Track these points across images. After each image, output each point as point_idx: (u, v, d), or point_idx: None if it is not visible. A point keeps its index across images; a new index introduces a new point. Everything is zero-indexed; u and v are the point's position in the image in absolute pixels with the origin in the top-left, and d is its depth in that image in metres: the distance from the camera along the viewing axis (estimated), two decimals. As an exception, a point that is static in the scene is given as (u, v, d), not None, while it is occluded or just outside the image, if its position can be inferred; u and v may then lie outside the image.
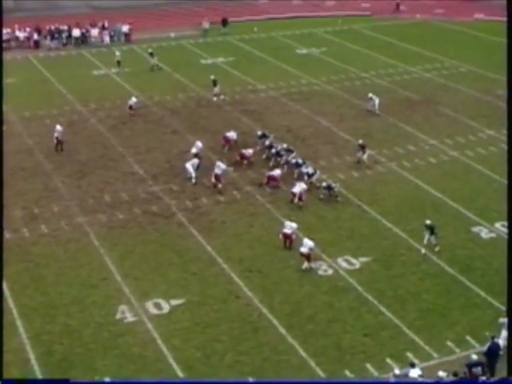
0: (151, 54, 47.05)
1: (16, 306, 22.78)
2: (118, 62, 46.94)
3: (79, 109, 40.07)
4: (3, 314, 19.85)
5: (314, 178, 30.25)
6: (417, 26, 57.54)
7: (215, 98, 40.77)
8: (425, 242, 25.55)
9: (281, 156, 32.14)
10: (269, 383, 19.79)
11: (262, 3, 65.98)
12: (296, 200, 28.68)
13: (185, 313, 22.64)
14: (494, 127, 35.68)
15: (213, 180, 30.30)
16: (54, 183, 31.30)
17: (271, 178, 30.52)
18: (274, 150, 32.45)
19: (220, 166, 30.30)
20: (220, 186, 30.02)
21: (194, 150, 32.36)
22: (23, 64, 48.09)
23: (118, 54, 47.70)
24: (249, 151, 32.61)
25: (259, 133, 34.40)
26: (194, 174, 30.81)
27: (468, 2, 63.59)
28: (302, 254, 24.52)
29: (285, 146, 32.57)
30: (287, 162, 31.82)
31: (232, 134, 34.32)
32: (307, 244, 24.46)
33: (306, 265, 24.48)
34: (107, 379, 19.61)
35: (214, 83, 40.90)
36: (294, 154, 32.14)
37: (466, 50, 49.71)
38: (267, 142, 33.25)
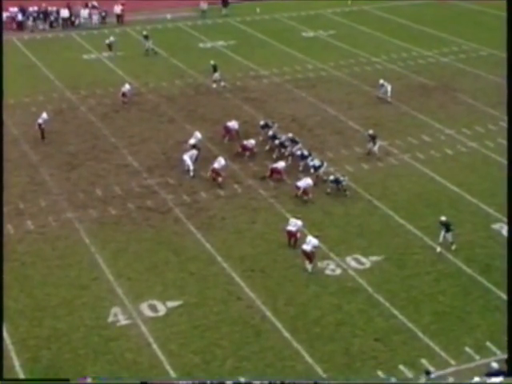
0: (146, 37, 47.02)
1: None
2: (109, 46, 46.82)
3: (68, 96, 40.09)
4: (3, 313, 19.95)
5: (320, 171, 30.25)
6: (433, 5, 57.41)
7: (215, 85, 40.76)
8: (440, 239, 25.56)
9: (285, 147, 32.15)
10: None
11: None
12: (299, 193, 28.73)
13: (182, 315, 22.67)
14: (516, 116, 35.68)
15: (208, 174, 30.27)
16: (41, 176, 31.33)
17: (275, 171, 30.53)
18: (277, 141, 32.45)
19: (220, 162, 30.31)
20: (220, 179, 30.04)
21: (192, 141, 32.37)
22: (6, 47, 47.79)
23: (112, 38, 47.36)
24: (251, 142, 32.62)
25: (262, 122, 34.40)
26: (191, 167, 30.83)
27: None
28: (303, 252, 24.54)
29: (290, 135, 32.57)
30: (292, 154, 31.83)
31: (233, 124, 34.32)
32: (311, 242, 24.47)
33: (308, 265, 24.50)
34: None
35: (214, 69, 40.89)
36: (299, 145, 32.13)
37: (486, 32, 49.56)
38: (270, 132, 33.25)
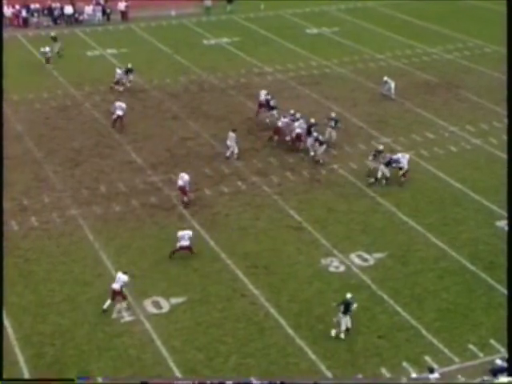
0: (54, 39, 45.50)
1: (4, 304, 22.76)
2: (47, 59, 44.08)
3: (72, 92, 40.07)
4: (2, 312, 19.94)
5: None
6: (437, 2, 57.20)
7: (129, 84, 40.07)
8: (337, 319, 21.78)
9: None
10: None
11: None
12: (401, 174, 29.39)
13: (186, 312, 22.68)
14: (521, 113, 35.57)
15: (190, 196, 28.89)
16: (44, 172, 31.33)
17: (298, 137, 31.51)
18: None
19: (184, 178, 28.35)
20: (185, 198, 28.28)
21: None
22: (11, 43, 48.02)
23: (47, 48, 44.26)
24: (283, 120, 33.00)
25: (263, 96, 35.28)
26: (236, 150, 31.59)
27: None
28: (113, 292, 22.36)
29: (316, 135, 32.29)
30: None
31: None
32: (120, 279, 22.54)
33: (122, 302, 22.55)
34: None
35: (129, 71, 40.18)
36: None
37: (491, 29, 49.29)
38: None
